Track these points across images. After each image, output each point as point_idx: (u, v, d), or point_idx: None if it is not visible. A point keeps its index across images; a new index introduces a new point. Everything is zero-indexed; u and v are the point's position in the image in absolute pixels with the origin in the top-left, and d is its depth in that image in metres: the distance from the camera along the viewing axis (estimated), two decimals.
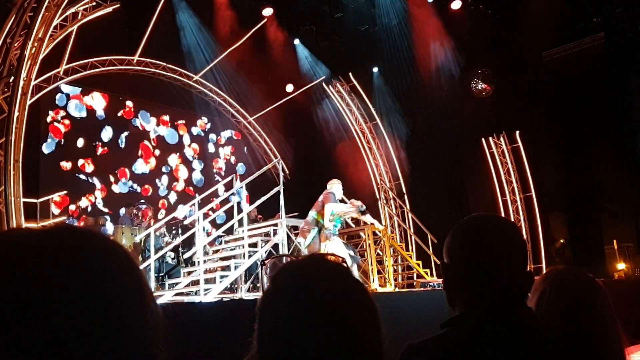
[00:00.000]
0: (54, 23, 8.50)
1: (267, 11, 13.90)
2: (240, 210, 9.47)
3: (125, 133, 13.75)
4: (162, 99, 14.65)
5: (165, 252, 10.18)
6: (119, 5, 10.23)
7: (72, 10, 9.37)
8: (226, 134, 16.44)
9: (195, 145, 15.51)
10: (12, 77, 7.45)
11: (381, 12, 15.23)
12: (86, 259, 0.64)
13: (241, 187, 10.61)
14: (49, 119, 12.34)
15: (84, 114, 13.02)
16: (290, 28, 15.02)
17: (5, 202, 6.91)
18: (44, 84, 11.57)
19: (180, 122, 15.24)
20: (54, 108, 12.47)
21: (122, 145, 13.68)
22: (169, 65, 14.29)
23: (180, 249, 10.70)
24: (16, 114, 7.31)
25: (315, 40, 15.60)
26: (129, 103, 14.04)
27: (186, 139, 15.37)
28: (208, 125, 16.03)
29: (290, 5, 14.44)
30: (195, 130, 15.69)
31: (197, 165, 15.40)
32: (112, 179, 13.23)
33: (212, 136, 16.11)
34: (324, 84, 16.00)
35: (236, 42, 13.92)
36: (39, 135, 11.94)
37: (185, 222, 10.68)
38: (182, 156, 15.11)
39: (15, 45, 7.64)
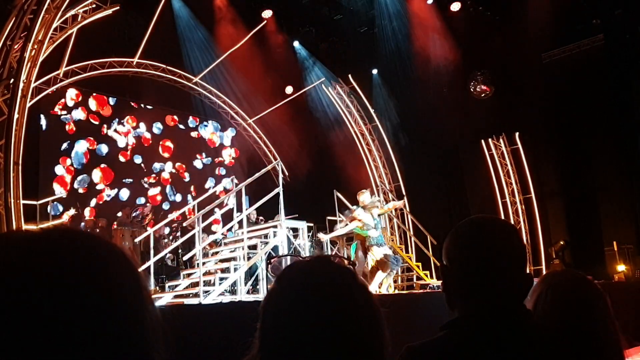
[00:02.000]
0: (54, 25, 8.50)
1: (267, 13, 13.91)
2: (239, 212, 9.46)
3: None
4: (162, 101, 14.65)
5: (165, 254, 10.18)
6: (118, 7, 10.24)
7: (72, 12, 9.38)
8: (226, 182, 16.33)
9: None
10: (12, 79, 7.45)
11: (380, 14, 15.25)
12: (85, 261, 0.64)
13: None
14: (58, 170, 12.39)
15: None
16: (289, 30, 15.03)
17: (5, 204, 6.91)
18: (43, 86, 11.58)
19: (179, 164, 15.13)
20: (60, 155, 12.52)
21: (125, 198, 13.64)
22: (168, 67, 14.30)
23: (180, 250, 10.71)
24: (16, 116, 7.31)
25: (314, 42, 15.63)
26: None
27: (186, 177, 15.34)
28: (207, 160, 15.98)
29: (289, 7, 14.46)
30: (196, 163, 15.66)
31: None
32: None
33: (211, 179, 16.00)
34: (323, 86, 16.00)
35: (236, 44, 13.92)
36: (39, 138, 11.95)
37: (184, 224, 10.68)
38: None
39: (15, 47, 7.64)
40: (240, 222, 9.22)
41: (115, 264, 0.67)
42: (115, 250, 0.69)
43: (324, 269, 1.03)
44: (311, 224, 10.77)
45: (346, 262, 1.17)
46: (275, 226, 9.03)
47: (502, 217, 14.15)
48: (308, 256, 1.21)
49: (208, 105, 15.81)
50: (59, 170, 12.42)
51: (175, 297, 8.46)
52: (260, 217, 11.66)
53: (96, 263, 0.65)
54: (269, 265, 7.80)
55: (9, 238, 0.66)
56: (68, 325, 0.59)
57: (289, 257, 8.06)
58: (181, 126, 15.39)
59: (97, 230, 11.20)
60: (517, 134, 15.40)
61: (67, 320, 0.59)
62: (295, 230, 9.39)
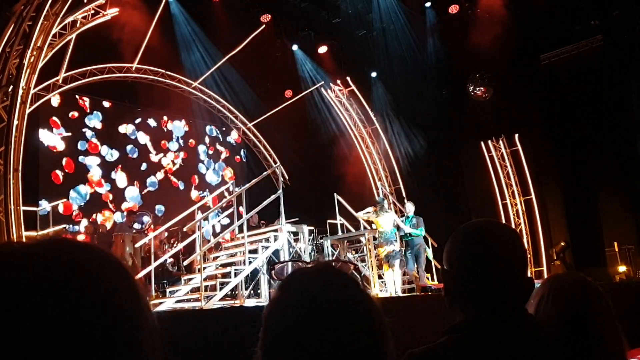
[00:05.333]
0: (53, 31, 8.51)
1: (266, 17, 13.93)
2: (240, 217, 9.46)
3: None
4: (161, 106, 14.65)
5: (166, 260, 10.17)
6: (117, 13, 10.26)
7: (71, 18, 9.38)
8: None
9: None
10: (11, 86, 7.46)
11: (379, 17, 15.28)
12: (80, 271, 0.64)
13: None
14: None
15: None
16: (288, 33, 15.06)
17: (5, 211, 6.91)
18: (42, 92, 11.58)
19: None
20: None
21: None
22: (167, 72, 14.30)
23: (180, 256, 10.70)
24: (15, 122, 7.32)
25: (313, 45, 15.64)
26: None
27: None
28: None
29: (288, 11, 14.49)
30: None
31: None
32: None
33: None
34: (322, 89, 16.01)
35: (235, 48, 13.94)
36: (39, 143, 11.95)
37: (185, 229, 10.67)
38: None
39: (14, 54, 7.65)
40: (240, 227, 9.22)
41: (112, 273, 0.67)
42: (111, 259, 0.69)
43: (328, 279, 1.01)
44: (312, 228, 10.75)
45: (352, 266, 1.15)
46: (275, 230, 9.03)
47: (503, 219, 14.19)
48: (310, 262, 1.19)
49: (208, 110, 15.80)
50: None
51: (177, 302, 8.46)
52: (262, 221, 11.66)
53: (92, 273, 0.65)
54: (272, 271, 7.79)
55: (3, 249, 0.66)
56: (64, 335, 0.59)
57: (290, 263, 8.07)
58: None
59: (97, 236, 11.22)
60: (516, 135, 15.41)
61: (62, 330, 0.59)
62: (295, 234, 9.39)
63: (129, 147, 13.94)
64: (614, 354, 1.71)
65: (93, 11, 9.96)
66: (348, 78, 16.06)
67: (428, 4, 15.04)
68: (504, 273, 1.36)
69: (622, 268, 13.07)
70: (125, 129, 13.95)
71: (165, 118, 15.02)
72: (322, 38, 15.59)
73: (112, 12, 10.23)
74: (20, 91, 7.51)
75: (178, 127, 15.20)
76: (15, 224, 6.92)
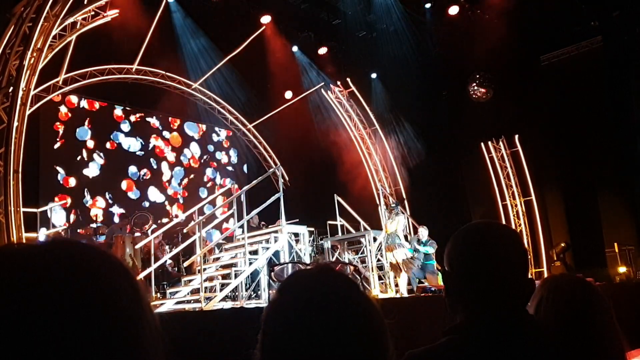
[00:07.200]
0: (53, 33, 8.50)
1: (266, 18, 13.94)
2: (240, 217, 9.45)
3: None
4: (161, 107, 14.65)
5: (166, 261, 10.17)
6: (117, 14, 10.26)
7: (71, 19, 9.38)
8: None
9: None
10: (12, 88, 7.46)
11: (378, 18, 15.29)
12: (80, 272, 0.64)
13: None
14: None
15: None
16: (288, 35, 15.06)
17: (5, 213, 6.91)
18: (43, 94, 11.58)
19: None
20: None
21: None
22: (167, 74, 14.30)
23: (180, 257, 10.70)
24: (15, 124, 7.32)
25: (313, 46, 15.65)
26: None
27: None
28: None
29: (288, 12, 14.48)
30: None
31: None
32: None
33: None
34: (322, 90, 16.01)
35: (235, 50, 13.94)
36: (39, 145, 11.95)
37: (185, 230, 10.67)
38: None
39: (14, 55, 7.65)
40: (240, 228, 9.21)
41: (112, 274, 0.67)
42: (112, 260, 0.69)
43: (328, 281, 1.01)
44: (312, 229, 10.75)
45: (352, 267, 1.15)
46: (276, 231, 9.02)
47: (503, 220, 14.19)
48: (310, 263, 1.18)
49: (207, 111, 15.81)
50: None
51: (177, 303, 8.45)
52: (263, 222, 11.66)
53: (93, 274, 0.65)
54: (272, 273, 7.80)
55: (4, 251, 0.66)
56: (65, 336, 0.59)
57: (290, 265, 8.06)
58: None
59: (98, 237, 11.21)
60: (516, 136, 15.41)
61: (63, 331, 0.59)
62: (296, 235, 9.39)
63: (130, 193, 13.80)
64: (613, 355, 1.72)
65: (93, 13, 9.96)
66: (348, 79, 16.07)
67: (428, 5, 15.05)
68: (505, 274, 1.36)
69: (622, 269, 13.06)
70: (125, 185, 13.75)
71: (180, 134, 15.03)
72: (322, 39, 15.60)
73: (112, 13, 10.23)
74: (20, 92, 7.51)
75: (180, 171, 15.15)
76: (15, 226, 6.92)
